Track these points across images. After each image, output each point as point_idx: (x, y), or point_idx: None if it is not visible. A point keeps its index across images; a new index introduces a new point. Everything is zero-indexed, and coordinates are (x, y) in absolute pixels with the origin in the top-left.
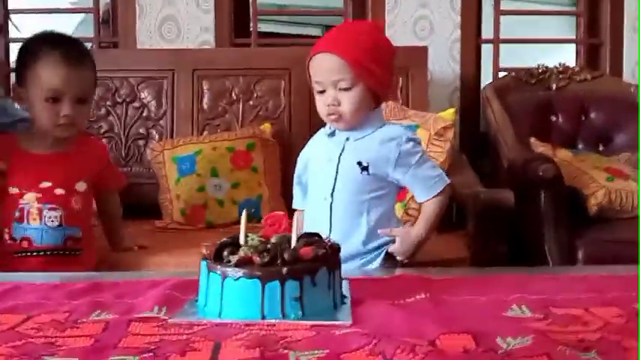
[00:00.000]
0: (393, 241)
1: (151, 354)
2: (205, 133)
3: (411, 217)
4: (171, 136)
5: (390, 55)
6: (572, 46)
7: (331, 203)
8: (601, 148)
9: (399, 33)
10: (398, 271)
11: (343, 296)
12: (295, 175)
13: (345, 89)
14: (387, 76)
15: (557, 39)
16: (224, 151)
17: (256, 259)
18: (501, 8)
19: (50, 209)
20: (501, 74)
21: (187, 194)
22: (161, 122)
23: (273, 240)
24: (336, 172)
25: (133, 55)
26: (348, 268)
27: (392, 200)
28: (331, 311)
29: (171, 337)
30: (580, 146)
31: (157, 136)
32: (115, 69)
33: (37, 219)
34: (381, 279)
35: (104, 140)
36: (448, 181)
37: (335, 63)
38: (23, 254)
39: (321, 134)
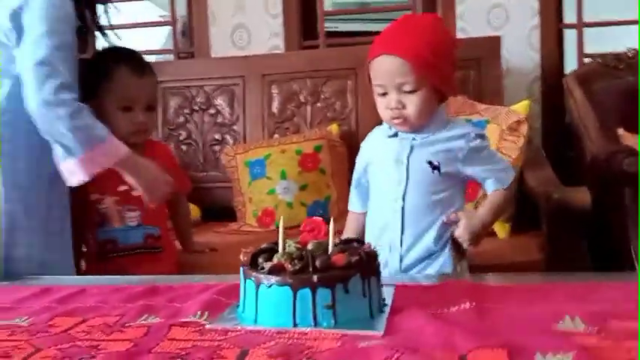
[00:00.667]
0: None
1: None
2: (276, 136)
3: None
4: (244, 141)
5: (453, 48)
6: None
7: (403, 206)
8: None
9: (471, 24)
10: (453, 276)
11: (383, 304)
12: (354, 179)
13: (410, 92)
14: (451, 73)
15: None
16: (292, 154)
17: (288, 266)
18: None
19: (129, 210)
20: (587, 61)
21: (258, 197)
22: (234, 127)
23: (309, 246)
24: (407, 174)
25: (206, 64)
26: (419, 270)
27: (462, 199)
28: (366, 320)
29: (204, 343)
30: None
31: (231, 141)
32: (191, 78)
33: (119, 221)
34: (430, 286)
35: (183, 147)
36: (514, 173)
37: (397, 65)
38: (110, 256)
39: (379, 135)
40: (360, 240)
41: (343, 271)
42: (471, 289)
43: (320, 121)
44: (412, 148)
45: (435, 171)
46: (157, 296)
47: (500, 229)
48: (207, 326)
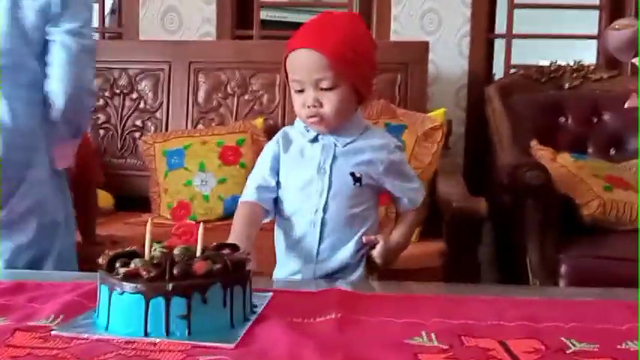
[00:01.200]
0: (373, 247)
1: None
2: (200, 126)
3: (392, 221)
4: (166, 129)
5: (372, 49)
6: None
7: (323, 217)
8: (613, 152)
9: (404, 26)
10: (350, 281)
11: (252, 312)
12: (257, 174)
13: (327, 89)
14: (369, 73)
15: (575, 35)
16: (213, 146)
17: (143, 272)
18: (515, 1)
19: None
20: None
21: (175, 188)
22: (157, 114)
23: (176, 251)
24: (329, 184)
25: (132, 46)
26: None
27: (377, 212)
28: (224, 330)
29: (41, 352)
30: (590, 150)
31: (152, 129)
32: (116, 60)
33: None
34: (307, 293)
35: (101, 132)
36: (424, 193)
37: (315, 60)
38: None
39: (295, 136)
40: (236, 246)
41: (201, 280)
42: (345, 298)
43: (246, 114)
44: (335, 156)
45: (357, 183)
46: (20, 294)
47: None
48: (53, 332)
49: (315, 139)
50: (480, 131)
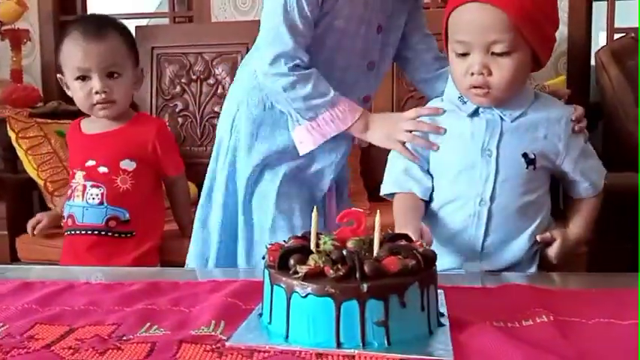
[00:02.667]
0: (548, 244)
1: None
2: None
3: None
4: None
5: (556, 2)
6: None
7: (489, 207)
8: None
9: None
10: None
11: (440, 314)
12: (399, 163)
13: (501, 54)
14: (553, 34)
15: None
16: None
17: (329, 271)
18: None
19: (92, 186)
20: (616, 36)
21: None
22: None
23: (349, 244)
24: (497, 168)
25: (206, 30)
26: None
27: (550, 200)
28: (425, 339)
29: None
30: None
31: None
32: (189, 44)
33: (81, 196)
34: (485, 289)
35: (179, 119)
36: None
37: (491, 17)
38: (71, 233)
39: (447, 109)
40: (408, 236)
41: (399, 279)
42: (540, 294)
43: None
44: (501, 133)
45: (530, 166)
46: (159, 297)
47: None
48: (228, 344)
49: (475, 113)
50: (583, 101)
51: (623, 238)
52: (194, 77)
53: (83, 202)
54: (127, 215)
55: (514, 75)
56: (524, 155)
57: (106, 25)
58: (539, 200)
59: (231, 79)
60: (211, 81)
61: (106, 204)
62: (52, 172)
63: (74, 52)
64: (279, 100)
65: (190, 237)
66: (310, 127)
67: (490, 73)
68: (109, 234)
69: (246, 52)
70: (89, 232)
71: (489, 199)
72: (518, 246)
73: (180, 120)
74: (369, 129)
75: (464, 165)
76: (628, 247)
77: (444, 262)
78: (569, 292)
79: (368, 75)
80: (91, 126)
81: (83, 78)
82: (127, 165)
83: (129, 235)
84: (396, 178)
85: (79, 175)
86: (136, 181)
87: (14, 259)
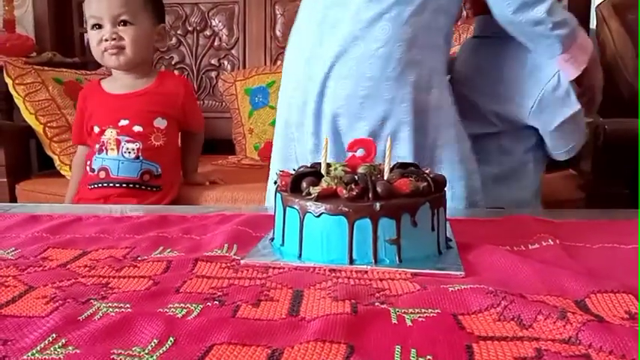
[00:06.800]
0: None
1: (217, 303)
2: (279, 62)
3: None
4: (243, 67)
5: None
6: None
7: None
8: None
9: None
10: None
11: (448, 239)
12: None
13: None
14: None
15: None
16: None
17: (342, 191)
18: None
19: (128, 141)
20: None
21: (261, 128)
22: (232, 52)
23: (360, 170)
24: None
25: None
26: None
27: None
28: (435, 257)
29: (243, 282)
30: None
31: (228, 67)
32: None
33: (115, 150)
34: (489, 220)
35: (175, 72)
36: None
37: None
38: (99, 185)
39: None
40: (417, 165)
41: (410, 199)
42: (543, 223)
43: None
44: None
45: None
46: (169, 226)
47: None
48: (243, 261)
49: None
50: None
51: (621, 185)
52: (190, 29)
53: (119, 156)
54: (160, 170)
55: None
56: None
57: None
58: None
59: (228, 31)
60: (208, 32)
61: (142, 158)
62: (50, 119)
63: (90, 2)
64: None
65: (191, 183)
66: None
67: None
68: (142, 187)
69: (244, 3)
70: (123, 185)
71: None
72: None
73: (176, 72)
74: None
75: None
76: (625, 193)
77: None
78: (572, 222)
79: None
80: (115, 85)
81: (98, 27)
82: (160, 123)
83: (155, 189)
84: None
85: (112, 132)
86: (167, 138)
87: None
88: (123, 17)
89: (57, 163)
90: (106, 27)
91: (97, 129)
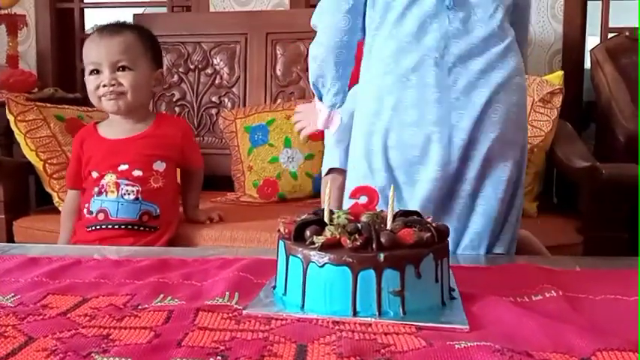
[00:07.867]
0: None
1: (219, 358)
2: (279, 100)
3: None
4: (244, 105)
5: None
6: None
7: None
8: None
9: None
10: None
11: (451, 289)
12: None
13: None
14: None
15: None
16: None
17: (346, 241)
18: None
19: (127, 184)
20: (610, 35)
21: (260, 166)
22: (233, 90)
23: (363, 219)
24: None
25: (205, 19)
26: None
27: None
28: (439, 310)
29: (245, 335)
30: None
31: (229, 105)
32: (188, 34)
33: (115, 192)
34: (491, 268)
35: (176, 109)
36: None
37: None
38: (98, 227)
39: None
40: (419, 214)
41: (414, 250)
42: (547, 273)
43: None
44: None
45: None
46: (169, 271)
47: (528, 208)
48: (245, 312)
49: None
50: (577, 98)
51: (619, 229)
52: (192, 67)
53: (117, 198)
54: (158, 211)
55: None
56: None
57: (123, 26)
58: None
59: (229, 69)
60: (209, 71)
61: (141, 199)
62: (50, 155)
63: (89, 49)
64: None
65: (192, 220)
66: None
67: None
68: (141, 228)
69: (245, 42)
70: (122, 226)
71: None
72: None
73: (177, 109)
74: None
75: None
76: (624, 237)
77: None
78: (574, 272)
79: None
80: (112, 130)
81: (97, 72)
82: (159, 166)
83: (153, 230)
84: None
85: (111, 176)
86: (166, 179)
87: (11, 242)
88: (122, 63)
89: (55, 199)
90: (104, 72)
91: (95, 174)
